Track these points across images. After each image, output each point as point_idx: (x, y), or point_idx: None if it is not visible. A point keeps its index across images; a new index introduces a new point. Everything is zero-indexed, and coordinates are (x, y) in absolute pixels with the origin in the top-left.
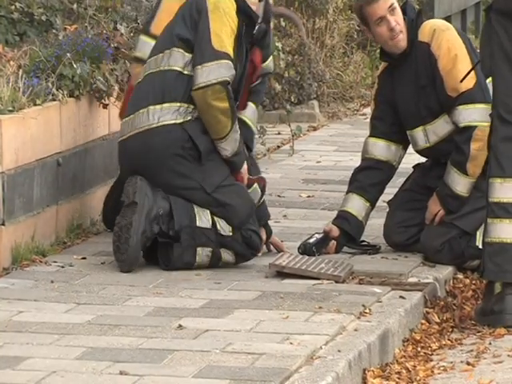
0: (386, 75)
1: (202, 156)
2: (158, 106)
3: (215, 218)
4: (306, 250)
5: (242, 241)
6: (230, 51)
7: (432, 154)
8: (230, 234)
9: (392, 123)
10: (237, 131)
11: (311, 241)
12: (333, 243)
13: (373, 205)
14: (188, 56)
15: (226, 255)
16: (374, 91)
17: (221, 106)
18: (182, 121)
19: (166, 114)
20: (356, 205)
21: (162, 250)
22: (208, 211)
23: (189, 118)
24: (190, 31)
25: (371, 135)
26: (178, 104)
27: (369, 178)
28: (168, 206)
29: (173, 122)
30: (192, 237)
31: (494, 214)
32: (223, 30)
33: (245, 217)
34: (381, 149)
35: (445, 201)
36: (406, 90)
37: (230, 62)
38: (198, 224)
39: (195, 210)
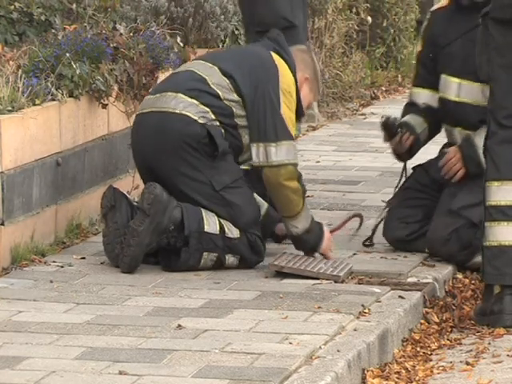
0: (443, 14)
1: (219, 155)
2: (188, 98)
3: (222, 222)
4: (388, 123)
5: (247, 243)
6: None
7: (455, 111)
8: (238, 236)
9: (434, 68)
10: (308, 209)
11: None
12: (408, 134)
13: (429, 130)
14: (230, 94)
15: (231, 260)
16: (424, 28)
17: (292, 186)
18: (203, 122)
19: (193, 109)
20: (415, 118)
21: (164, 255)
22: (216, 216)
23: (212, 123)
24: (245, 81)
25: (415, 85)
26: (208, 109)
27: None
28: (180, 216)
29: (195, 118)
30: (199, 241)
31: (491, 217)
32: (291, 117)
33: (251, 219)
34: (425, 97)
35: (467, 160)
36: (460, 39)
37: (295, 146)
38: (205, 229)
39: (203, 215)
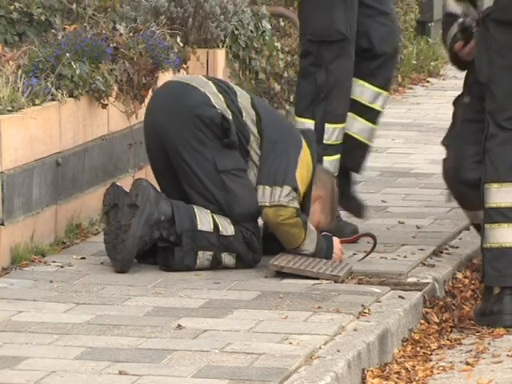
0: None
1: (227, 144)
2: (216, 90)
3: (217, 220)
4: (466, 24)
5: (243, 241)
6: (300, 200)
7: None
8: (233, 233)
9: None
10: (311, 232)
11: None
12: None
13: None
14: (252, 125)
15: (227, 259)
16: None
17: (291, 222)
18: (222, 112)
19: (216, 99)
20: None
21: (162, 254)
22: (209, 213)
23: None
24: (269, 129)
25: None
26: (230, 112)
27: None
28: (170, 210)
29: (216, 106)
30: (193, 240)
31: (491, 219)
32: (303, 183)
33: (246, 212)
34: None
35: None
36: None
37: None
38: (199, 227)
39: (196, 213)
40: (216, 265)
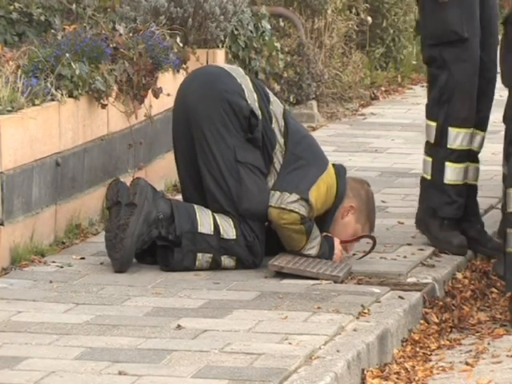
0: None
1: (250, 139)
2: (251, 85)
3: (218, 222)
4: None
5: (244, 245)
6: (314, 212)
7: None
8: (234, 237)
9: None
10: (314, 238)
11: None
12: None
13: None
14: (279, 134)
15: (227, 261)
16: None
17: (293, 228)
18: (252, 108)
19: (250, 94)
20: None
21: (161, 253)
22: (210, 214)
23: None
24: (294, 144)
25: None
26: (260, 113)
27: None
28: (169, 209)
29: (248, 100)
30: (193, 242)
31: None
32: (318, 201)
33: (253, 209)
34: None
35: None
36: None
37: (311, 213)
38: (199, 230)
39: (197, 214)
40: (215, 266)
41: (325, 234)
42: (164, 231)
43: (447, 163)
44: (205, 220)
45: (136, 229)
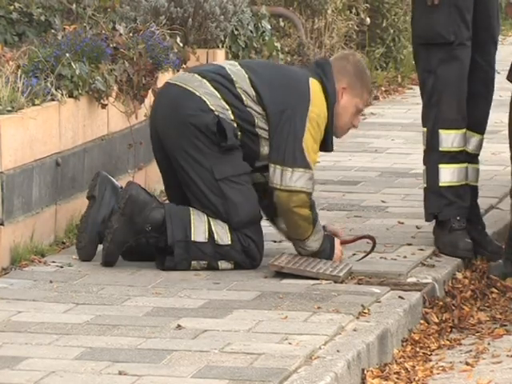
0: None
1: (226, 148)
2: (211, 87)
3: (213, 228)
4: None
5: (241, 249)
6: (314, 167)
7: None
8: (229, 243)
9: None
10: (319, 231)
11: None
12: None
13: None
14: (255, 105)
15: (224, 265)
16: None
17: (302, 213)
18: (219, 115)
19: (213, 99)
20: None
21: (159, 251)
22: (205, 221)
23: (230, 123)
24: (273, 100)
25: None
26: (228, 107)
27: None
28: (161, 218)
29: (212, 108)
30: (186, 251)
31: None
32: (315, 148)
33: (245, 220)
34: None
35: None
36: None
37: (313, 176)
38: (193, 238)
39: (192, 221)
40: (212, 270)
41: (325, 233)
42: (152, 241)
43: (440, 165)
44: (199, 228)
45: (120, 237)
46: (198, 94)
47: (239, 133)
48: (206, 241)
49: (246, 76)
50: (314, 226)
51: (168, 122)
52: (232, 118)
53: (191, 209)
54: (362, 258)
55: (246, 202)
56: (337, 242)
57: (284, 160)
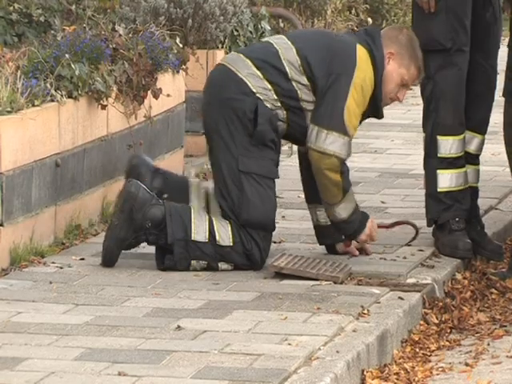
0: None
1: (254, 136)
2: (254, 68)
3: (215, 228)
4: None
5: (242, 252)
6: (354, 133)
7: None
8: (231, 244)
9: None
10: (351, 202)
11: None
12: None
13: None
14: (300, 76)
15: (224, 267)
16: None
17: (332, 177)
18: (261, 98)
19: (255, 81)
20: None
21: (158, 252)
22: (206, 220)
23: (272, 103)
24: (320, 67)
25: None
26: (271, 87)
27: None
28: (160, 215)
29: (254, 91)
30: (186, 250)
31: None
32: (357, 112)
33: (254, 220)
34: None
35: None
36: None
37: (350, 142)
38: (193, 238)
39: (192, 220)
40: (212, 271)
41: (361, 209)
42: (152, 238)
43: (438, 171)
44: (200, 227)
45: (120, 233)
46: (240, 75)
47: (285, 112)
48: (207, 240)
49: (293, 46)
50: (343, 193)
51: (211, 102)
52: (275, 97)
53: (192, 207)
54: (408, 243)
55: (261, 204)
56: (372, 221)
57: (321, 121)
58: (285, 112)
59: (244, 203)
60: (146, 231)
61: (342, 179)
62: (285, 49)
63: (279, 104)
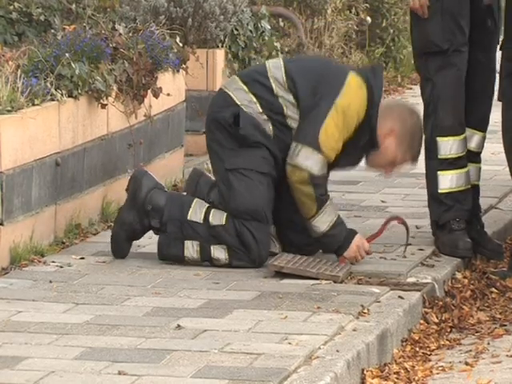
0: None
1: (238, 139)
2: (240, 82)
3: (211, 213)
4: None
5: (234, 233)
6: (330, 154)
7: None
8: (222, 223)
9: None
10: (326, 213)
11: None
12: None
13: None
14: (286, 93)
15: (217, 252)
16: None
17: (303, 189)
18: (243, 108)
19: (240, 94)
20: None
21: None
22: (205, 207)
23: (258, 115)
24: (307, 89)
25: None
26: (255, 100)
27: None
28: (163, 200)
29: (238, 103)
30: (180, 229)
31: None
32: (335, 135)
33: (241, 208)
34: None
35: None
36: None
37: (325, 162)
38: (188, 218)
39: (193, 204)
40: (206, 256)
41: (350, 228)
42: (154, 221)
43: (439, 172)
44: (198, 210)
45: (124, 216)
46: (227, 91)
47: (270, 127)
48: (201, 222)
49: (282, 64)
50: (318, 205)
51: (206, 119)
52: (260, 110)
53: (197, 199)
54: (405, 250)
55: (248, 193)
56: (360, 238)
57: (298, 136)
58: (271, 127)
59: (231, 195)
60: (148, 214)
61: (315, 190)
62: (274, 68)
63: (265, 117)
